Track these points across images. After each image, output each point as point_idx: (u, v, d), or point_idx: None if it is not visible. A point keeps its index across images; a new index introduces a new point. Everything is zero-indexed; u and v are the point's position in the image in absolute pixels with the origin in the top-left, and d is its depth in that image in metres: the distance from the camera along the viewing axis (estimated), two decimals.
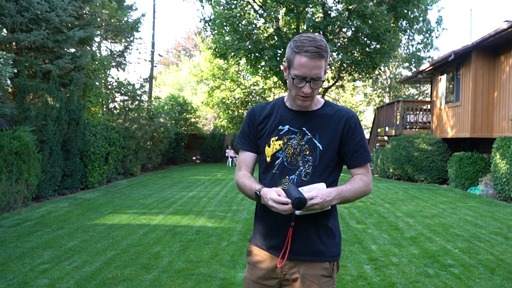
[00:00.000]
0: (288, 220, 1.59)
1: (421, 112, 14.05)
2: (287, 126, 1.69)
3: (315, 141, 1.64)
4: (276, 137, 1.68)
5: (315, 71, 1.55)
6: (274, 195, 1.48)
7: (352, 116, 1.68)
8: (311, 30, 15.66)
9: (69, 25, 10.30)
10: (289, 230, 1.60)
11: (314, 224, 1.62)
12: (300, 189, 1.50)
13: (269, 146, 1.69)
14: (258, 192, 1.57)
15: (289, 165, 1.65)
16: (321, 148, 1.64)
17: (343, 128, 1.65)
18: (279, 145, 1.68)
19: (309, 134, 1.65)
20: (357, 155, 1.67)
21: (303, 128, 1.66)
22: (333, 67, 18.20)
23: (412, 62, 26.28)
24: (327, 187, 1.57)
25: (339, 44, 17.00)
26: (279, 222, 1.63)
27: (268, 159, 1.68)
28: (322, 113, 1.68)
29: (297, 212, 1.50)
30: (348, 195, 1.59)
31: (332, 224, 1.66)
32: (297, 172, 1.64)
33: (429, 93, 17.07)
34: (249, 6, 16.77)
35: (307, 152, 1.64)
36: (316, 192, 1.48)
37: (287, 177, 1.64)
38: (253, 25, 16.61)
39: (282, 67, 1.92)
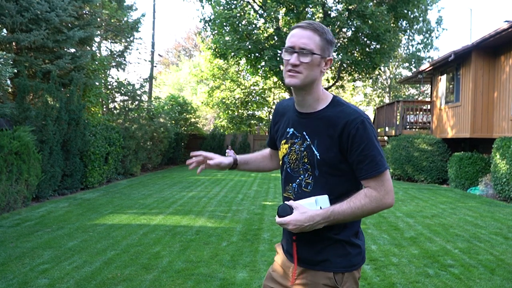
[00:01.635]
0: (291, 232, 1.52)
1: (421, 112, 14.05)
2: (292, 129, 1.60)
3: (313, 148, 1.50)
4: (284, 140, 1.62)
5: (304, 40, 1.46)
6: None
7: (352, 120, 1.44)
8: None
9: (69, 25, 10.29)
10: (293, 245, 1.54)
11: (316, 236, 1.50)
12: (295, 202, 1.47)
13: (279, 149, 1.66)
14: None
15: (291, 171, 1.58)
16: (318, 156, 1.49)
17: (340, 135, 1.45)
18: (285, 148, 1.61)
19: (308, 139, 1.52)
20: (362, 166, 1.44)
21: (304, 133, 1.54)
22: (333, 67, 18.20)
23: (412, 62, 26.29)
24: (333, 199, 1.46)
25: (339, 44, 17.01)
26: (285, 231, 1.63)
27: (280, 163, 1.67)
28: (324, 115, 1.50)
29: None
30: (343, 217, 1.43)
31: (343, 236, 1.51)
32: (298, 180, 1.55)
33: (429, 93, 17.07)
34: (249, 6, 16.77)
35: (306, 160, 1.52)
36: (291, 218, 1.41)
37: (290, 184, 1.58)
38: (253, 25, 16.62)
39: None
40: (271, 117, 27.27)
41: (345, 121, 1.45)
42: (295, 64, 1.45)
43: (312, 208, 1.44)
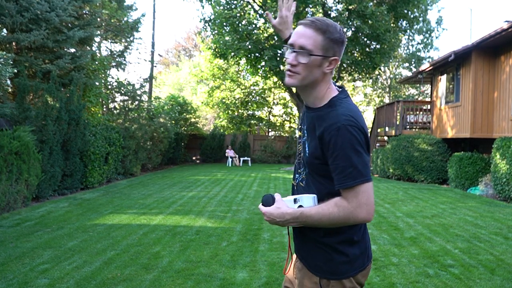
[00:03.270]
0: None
1: (421, 112, 14.05)
2: (301, 121, 1.61)
3: (306, 145, 1.49)
4: (300, 127, 1.63)
5: (303, 39, 1.40)
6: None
7: (329, 125, 1.37)
8: None
9: (69, 25, 10.30)
10: (288, 238, 1.62)
11: (304, 235, 1.51)
12: (285, 198, 1.48)
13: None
14: None
15: (297, 162, 1.59)
16: (307, 154, 1.47)
17: (320, 138, 1.40)
18: (299, 137, 1.61)
19: (305, 135, 1.51)
20: (334, 176, 1.37)
21: (304, 127, 1.53)
22: None
23: (412, 62, 26.30)
24: (321, 199, 1.43)
25: None
26: None
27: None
28: (318, 114, 1.46)
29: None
30: (311, 221, 1.38)
31: (328, 240, 1.45)
32: (298, 172, 1.57)
33: (429, 93, 17.07)
34: (249, 6, 16.78)
35: (301, 155, 1.52)
36: (266, 210, 1.43)
37: (295, 174, 1.60)
38: (253, 25, 16.62)
39: None
40: (271, 117, 27.14)
41: (325, 125, 1.39)
42: (293, 64, 1.42)
43: (290, 205, 1.43)
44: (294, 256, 1.68)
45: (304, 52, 1.40)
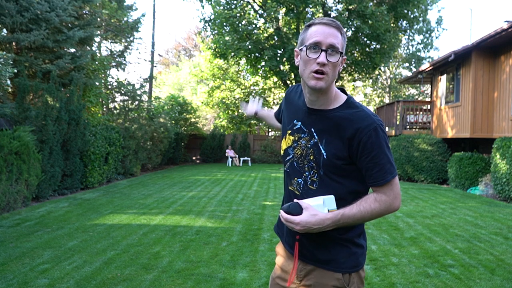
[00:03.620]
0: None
1: (421, 112, 14.05)
2: (299, 123, 1.54)
3: (321, 147, 1.45)
4: (290, 131, 1.58)
5: (331, 38, 1.39)
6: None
7: (365, 127, 1.39)
8: None
9: (69, 25, 10.30)
10: (296, 244, 1.51)
11: (320, 236, 1.47)
12: (305, 202, 1.43)
13: (284, 139, 1.61)
14: None
15: (297, 166, 1.53)
16: (325, 156, 1.44)
17: (350, 138, 1.41)
18: (291, 141, 1.57)
19: (316, 137, 1.47)
20: (370, 174, 1.42)
21: (312, 129, 1.49)
22: None
23: (412, 62, 26.31)
24: (339, 199, 1.44)
25: None
26: (287, 229, 1.58)
27: (282, 153, 1.63)
28: (335, 115, 1.45)
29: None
30: (352, 220, 1.41)
31: (348, 236, 1.50)
32: (303, 176, 1.51)
33: (429, 93, 17.07)
34: (249, 6, 16.78)
35: (312, 157, 1.48)
36: (300, 219, 1.39)
37: (295, 178, 1.54)
38: (253, 25, 16.63)
39: (295, 54, 1.81)
40: None
41: (357, 126, 1.40)
42: (324, 63, 1.39)
43: (320, 209, 1.41)
44: (282, 260, 1.65)
45: (334, 51, 1.40)
